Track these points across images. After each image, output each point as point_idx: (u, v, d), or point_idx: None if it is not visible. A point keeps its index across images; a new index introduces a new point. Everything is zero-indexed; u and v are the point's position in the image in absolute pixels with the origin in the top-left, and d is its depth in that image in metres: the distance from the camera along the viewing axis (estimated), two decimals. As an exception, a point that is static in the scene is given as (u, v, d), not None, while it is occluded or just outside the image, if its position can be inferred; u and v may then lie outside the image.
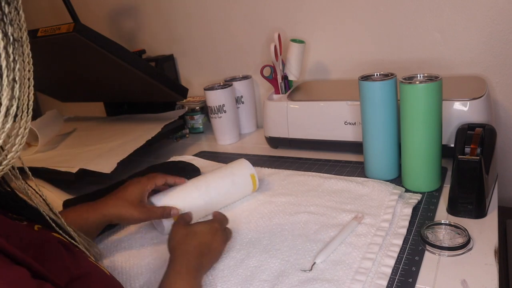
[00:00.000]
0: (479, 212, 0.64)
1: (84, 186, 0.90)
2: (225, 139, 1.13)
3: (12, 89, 0.35)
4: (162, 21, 1.34)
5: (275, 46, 1.01)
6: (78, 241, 0.48)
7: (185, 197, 0.72)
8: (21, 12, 0.37)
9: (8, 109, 0.35)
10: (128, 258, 0.66)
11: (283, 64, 1.05)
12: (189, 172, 0.89)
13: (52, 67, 1.13)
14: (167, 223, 0.69)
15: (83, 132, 1.25)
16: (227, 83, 1.13)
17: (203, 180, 0.76)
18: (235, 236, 0.67)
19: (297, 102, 0.96)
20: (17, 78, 0.36)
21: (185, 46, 1.34)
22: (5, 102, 0.35)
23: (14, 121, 0.36)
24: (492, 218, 0.63)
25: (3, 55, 0.34)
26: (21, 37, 0.37)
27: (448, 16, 0.91)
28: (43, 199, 0.47)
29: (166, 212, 0.68)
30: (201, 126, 1.27)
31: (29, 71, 0.39)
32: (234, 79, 1.19)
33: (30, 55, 0.39)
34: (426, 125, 0.69)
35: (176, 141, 1.23)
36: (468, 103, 0.77)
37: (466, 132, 0.71)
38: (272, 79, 1.06)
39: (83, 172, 0.88)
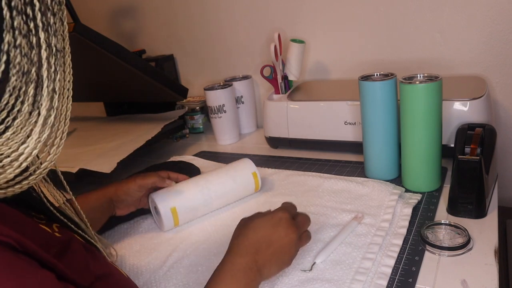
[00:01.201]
0: (479, 212, 0.64)
1: (84, 186, 0.90)
2: (225, 139, 1.13)
3: (51, 99, 0.34)
4: (162, 21, 1.34)
5: (275, 46, 1.01)
6: (96, 241, 0.47)
7: (184, 193, 0.73)
8: (65, 23, 0.36)
9: (45, 119, 0.34)
10: (128, 258, 0.66)
11: (283, 64, 1.05)
12: (189, 172, 0.89)
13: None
14: (167, 220, 0.70)
15: (83, 132, 1.25)
16: (227, 83, 1.13)
17: (204, 177, 0.77)
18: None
19: (297, 102, 0.96)
20: (56, 89, 0.35)
21: (185, 46, 1.34)
22: (43, 112, 0.34)
23: (51, 131, 0.35)
24: (492, 218, 0.63)
25: (45, 66, 0.33)
26: (64, 48, 0.36)
27: (448, 16, 0.91)
28: (65, 198, 0.47)
29: (159, 179, 0.72)
30: (201, 126, 1.27)
31: (69, 81, 0.38)
32: (234, 79, 1.19)
33: (71, 66, 0.38)
34: (426, 125, 0.69)
35: (176, 141, 1.23)
36: (468, 103, 0.77)
37: (466, 132, 0.71)
38: (272, 79, 1.06)
39: (83, 172, 0.88)
